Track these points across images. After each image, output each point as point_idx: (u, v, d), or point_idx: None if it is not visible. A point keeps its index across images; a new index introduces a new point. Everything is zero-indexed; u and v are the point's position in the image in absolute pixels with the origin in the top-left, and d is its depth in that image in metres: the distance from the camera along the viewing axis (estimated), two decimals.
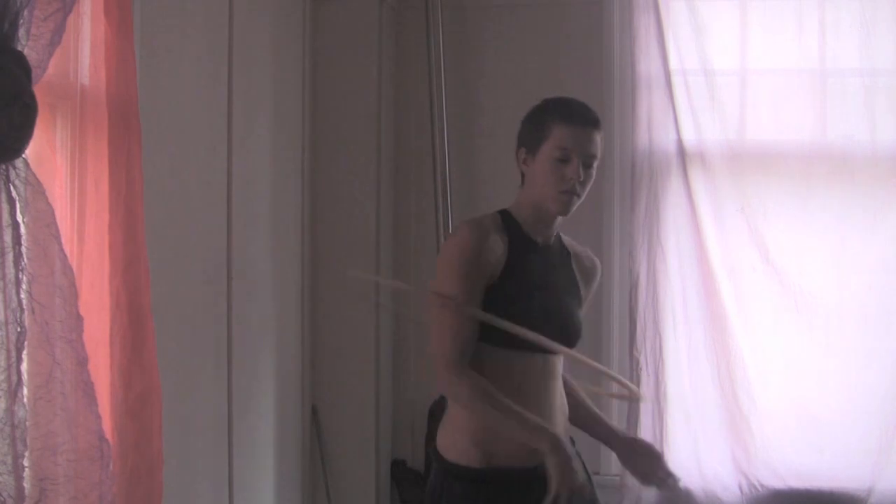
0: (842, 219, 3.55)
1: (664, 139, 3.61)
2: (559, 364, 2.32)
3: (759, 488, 3.56)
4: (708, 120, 3.59)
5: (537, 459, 2.12)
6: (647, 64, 3.62)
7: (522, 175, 2.32)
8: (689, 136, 3.60)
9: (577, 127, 2.22)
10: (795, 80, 3.59)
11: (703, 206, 3.59)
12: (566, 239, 2.41)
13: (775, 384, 3.56)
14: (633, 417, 3.57)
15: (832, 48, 3.54)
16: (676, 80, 3.60)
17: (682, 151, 3.60)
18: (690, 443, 3.60)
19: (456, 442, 2.28)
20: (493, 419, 2.18)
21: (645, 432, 3.54)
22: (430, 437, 3.91)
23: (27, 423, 1.80)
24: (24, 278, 1.79)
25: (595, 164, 2.25)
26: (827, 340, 3.53)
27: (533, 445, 2.12)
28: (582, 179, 2.21)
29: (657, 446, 3.45)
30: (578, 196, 2.23)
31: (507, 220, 2.31)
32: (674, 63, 3.60)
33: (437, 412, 3.86)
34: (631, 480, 3.52)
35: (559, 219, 2.30)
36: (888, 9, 3.52)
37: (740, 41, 3.65)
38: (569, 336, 2.30)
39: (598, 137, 2.25)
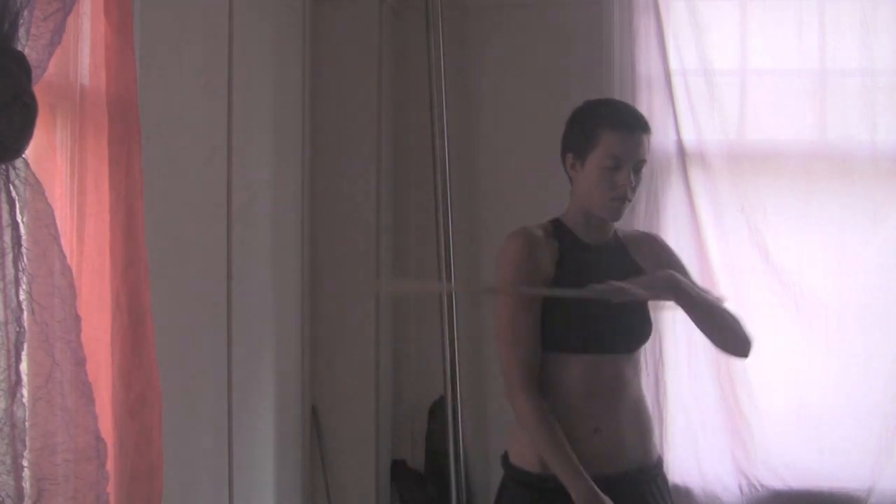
0: (842, 218, 3.55)
1: (664, 139, 3.61)
2: (630, 366, 2.30)
3: (759, 488, 3.56)
4: (708, 120, 3.59)
5: (600, 470, 2.16)
6: (647, 64, 3.63)
7: (570, 179, 2.32)
8: (689, 136, 3.60)
9: (627, 133, 2.21)
10: (795, 80, 3.59)
11: (703, 206, 3.59)
12: (620, 230, 2.39)
13: (775, 384, 3.56)
14: None
15: (832, 48, 3.54)
16: (676, 80, 3.60)
17: (682, 151, 3.60)
18: (690, 443, 3.60)
19: (523, 448, 2.28)
20: (542, 450, 2.19)
21: None
22: (430, 436, 3.92)
23: (26, 423, 1.81)
24: (24, 278, 1.79)
25: (643, 167, 2.26)
26: (827, 340, 3.53)
27: (569, 491, 2.14)
28: (634, 185, 2.23)
29: (657, 446, 3.46)
30: (629, 201, 2.25)
31: (557, 226, 2.33)
32: (674, 63, 3.60)
33: (437, 412, 3.87)
34: None
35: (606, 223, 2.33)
36: (888, 9, 3.52)
37: (740, 41, 3.65)
38: (631, 335, 2.30)
39: (647, 140, 2.26)
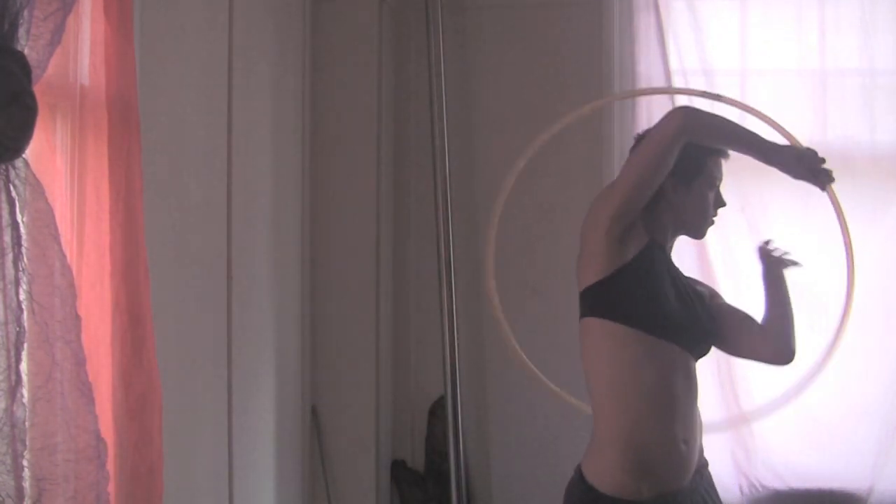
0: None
1: None
2: (695, 368, 2.31)
3: (759, 488, 3.56)
4: None
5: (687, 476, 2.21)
6: (647, 64, 3.63)
7: (661, 196, 2.32)
8: None
9: (722, 161, 2.37)
10: (795, 80, 3.59)
11: None
12: None
13: (775, 384, 3.55)
14: None
15: (832, 48, 3.54)
16: (676, 80, 3.60)
17: None
18: None
19: (599, 467, 2.23)
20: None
21: None
22: (430, 436, 3.93)
23: (26, 423, 1.81)
24: (24, 278, 1.79)
25: None
26: (827, 340, 3.53)
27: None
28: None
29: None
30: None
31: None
32: (674, 63, 3.61)
33: (437, 412, 3.87)
34: None
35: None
36: (888, 9, 3.52)
37: (740, 41, 3.65)
38: (706, 340, 2.34)
39: None
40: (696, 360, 2.31)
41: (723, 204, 2.37)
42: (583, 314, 2.28)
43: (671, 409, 2.20)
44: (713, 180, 2.34)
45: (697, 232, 2.39)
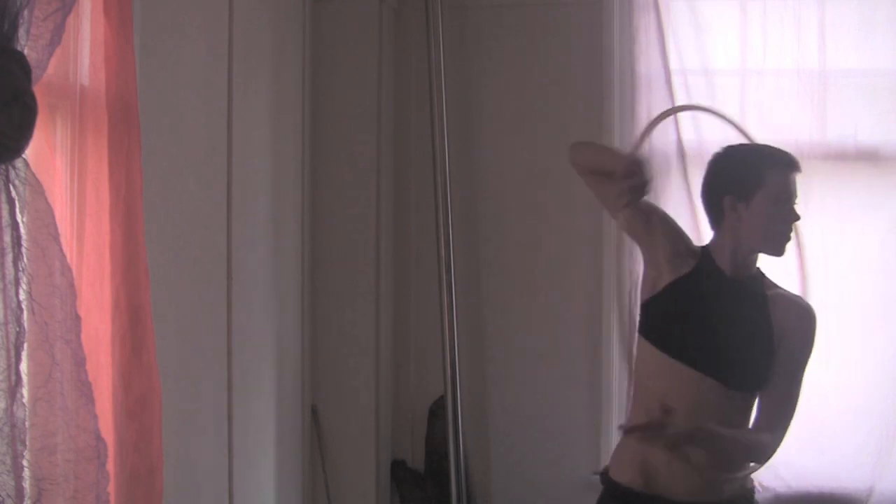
0: (841, 219, 3.55)
1: (664, 139, 3.61)
2: (733, 402, 2.30)
3: (759, 488, 3.55)
4: (708, 120, 3.59)
5: (694, 494, 2.25)
6: (647, 64, 3.63)
7: (721, 219, 2.35)
8: (689, 136, 3.60)
9: (790, 174, 2.30)
10: (795, 80, 3.58)
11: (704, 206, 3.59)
12: (772, 284, 2.41)
13: None
14: None
15: (832, 48, 3.54)
16: (676, 80, 3.60)
17: (682, 151, 3.60)
18: None
19: (625, 465, 2.36)
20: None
21: None
22: (430, 436, 3.92)
23: (26, 423, 1.80)
24: (24, 278, 1.79)
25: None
26: (827, 341, 3.52)
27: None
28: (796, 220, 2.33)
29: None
30: (790, 238, 2.34)
31: (703, 250, 2.40)
32: (674, 63, 3.60)
33: (437, 412, 3.87)
34: None
35: (755, 258, 2.37)
36: (888, 9, 3.52)
37: (740, 41, 3.65)
38: (728, 375, 2.28)
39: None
40: (733, 390, 2.28)
41: (796, 218, 2.30)
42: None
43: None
44: (778, 193, 2.28)
45: (770, 248, 2.33)
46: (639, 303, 2.42)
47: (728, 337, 2.29)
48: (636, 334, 2.40)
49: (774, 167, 2.29)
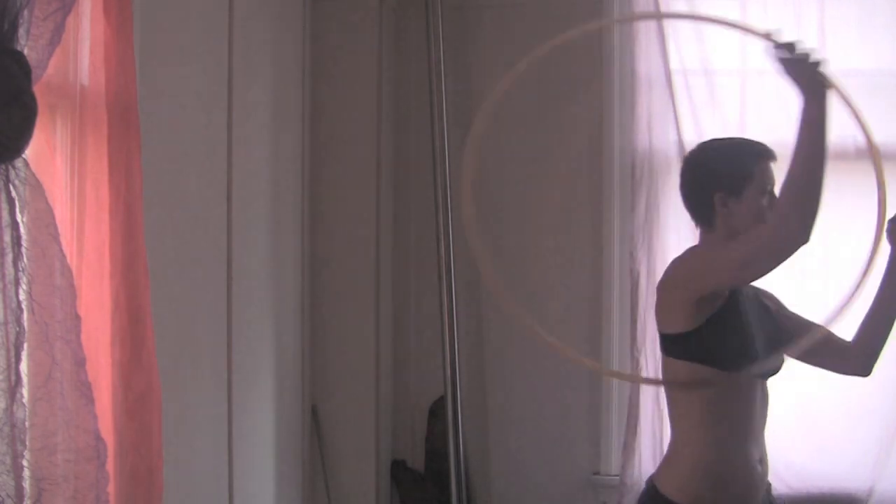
0: (841, 219, 3.54)
1: (664, 139, 3.60)
2: (766, 386, 2.37)
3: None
4: (708, 120, 3.59)
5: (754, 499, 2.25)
6: (647, 64, 3.62)
7: (713, 217, 2.35)
8: (689, 136, 3.59)
9: (770, 163, 2.33)
10: None
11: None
12: None
13: (775, 384, 3.55)
14: (632, 419, 3.56)
15: (832, 48, 3.54)
16: (676, 80, 3.60)
17: (682, 151, 3.60)
18: None
19: (675, 479, 2.30)
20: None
21: (645, 433, 3.54)
22: (430, 436, 3.92)
23: (26, 423, 1.81)
24: (24, 278, 1.79)
25: None
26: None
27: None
28: None
29: (657, 447, 3.47)
30: None
31: None
32: (674, 63, 3.60)
33: (437, 412, 3.87)
34: (630, 480, 3.54)
35: None
36: (887, 8, 3.52)
37: (740, 41, 3.64)
38: (773, 371, 2.38)
39: None
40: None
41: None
42: (666, 354, 2.34)
43: (748, 431, 2.28)
44: (764, 185, 2.30)
45: None
46: (654, 322, 2.38)
47: (761, 334, 2.33)
48: (666, 357, 2.33)
49: (759, 158, 2.31)
